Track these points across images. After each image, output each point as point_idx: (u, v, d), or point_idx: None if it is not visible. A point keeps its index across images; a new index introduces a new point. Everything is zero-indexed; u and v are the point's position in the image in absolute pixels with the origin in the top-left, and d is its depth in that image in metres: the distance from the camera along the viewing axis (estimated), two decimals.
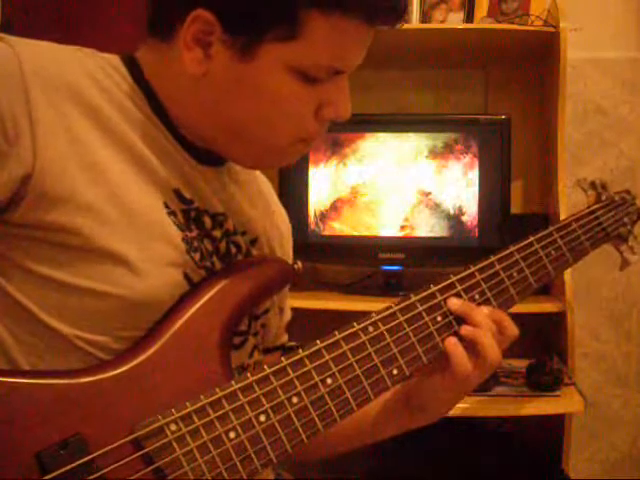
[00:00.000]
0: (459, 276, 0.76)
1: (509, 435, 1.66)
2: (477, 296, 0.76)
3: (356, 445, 0.85)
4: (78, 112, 0.62)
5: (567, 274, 1.56)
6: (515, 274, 0.80)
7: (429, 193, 1.73)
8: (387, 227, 1.75)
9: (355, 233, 1.76)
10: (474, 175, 1.71)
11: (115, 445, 0.56)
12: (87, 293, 0.60)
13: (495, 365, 0.73)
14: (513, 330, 0.75)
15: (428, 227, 1.73)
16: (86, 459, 0.55)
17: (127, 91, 0.67)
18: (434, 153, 1.72)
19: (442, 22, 1.74)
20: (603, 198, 0.97)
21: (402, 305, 0.72)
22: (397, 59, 1.89)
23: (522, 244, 0.82)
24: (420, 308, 0.73)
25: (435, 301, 0.74)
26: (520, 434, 1.66)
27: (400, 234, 1.75)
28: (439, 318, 0.73)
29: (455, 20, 1.74)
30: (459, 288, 0.75)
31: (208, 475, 0.59)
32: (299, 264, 0.85)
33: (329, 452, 0.88)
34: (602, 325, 1.95)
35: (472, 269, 0.77)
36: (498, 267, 0.79)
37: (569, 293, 1.56)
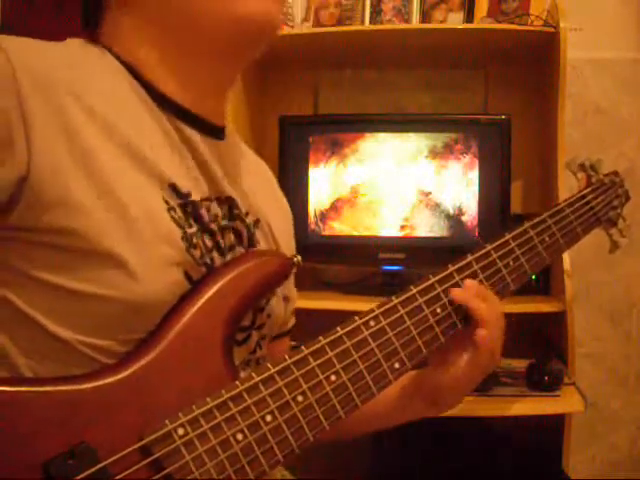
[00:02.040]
0: (457, 266, 0.77)
1: (509, 435, 1.66)
2: None
3: (377, 428, 0.89)
4: (74, 109, 0.60)
5: (567, 274, 1.56)
6: (511, 262, 0.80)
7: (429, 193, 1.73)
8: (387, 227, 1.75)
9: (355, 233, 1.76)
10: (474, 175, 1.71)
11: (125, 452, 0.55)
12: (89, 297, 0.59)
13: (499, 356, 0.76)
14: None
15: (428, 227, 1.73)
16: (97, 468, 0.54)
17: (120, 78, 0.66)
18: (434, 153, 1.72)
19: (442, 22, 1.74)
20: (593, 181, 0.96)
21: (402, 298, 0.72)
22: (397, 59, 1.89)
23: (517, 231, 0.82)
24: (420, 300, 0.73)
25: (434, 292, 0.74)
26: (520, 434, 1.66)
27: (400, 234, 1.75)
28: (438, 310, 0.74)
29: (455, 20, 1.74)
30: (457, 279, 0.76)
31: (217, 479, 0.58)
32: (299, 257, 0.84)
33: (359, 432, 0.90)
34: (602, 325, 1.95)
35: (469, 258, 0.78)
36: (495, 256, 0.79)
37: (569, 293, 1.55)
